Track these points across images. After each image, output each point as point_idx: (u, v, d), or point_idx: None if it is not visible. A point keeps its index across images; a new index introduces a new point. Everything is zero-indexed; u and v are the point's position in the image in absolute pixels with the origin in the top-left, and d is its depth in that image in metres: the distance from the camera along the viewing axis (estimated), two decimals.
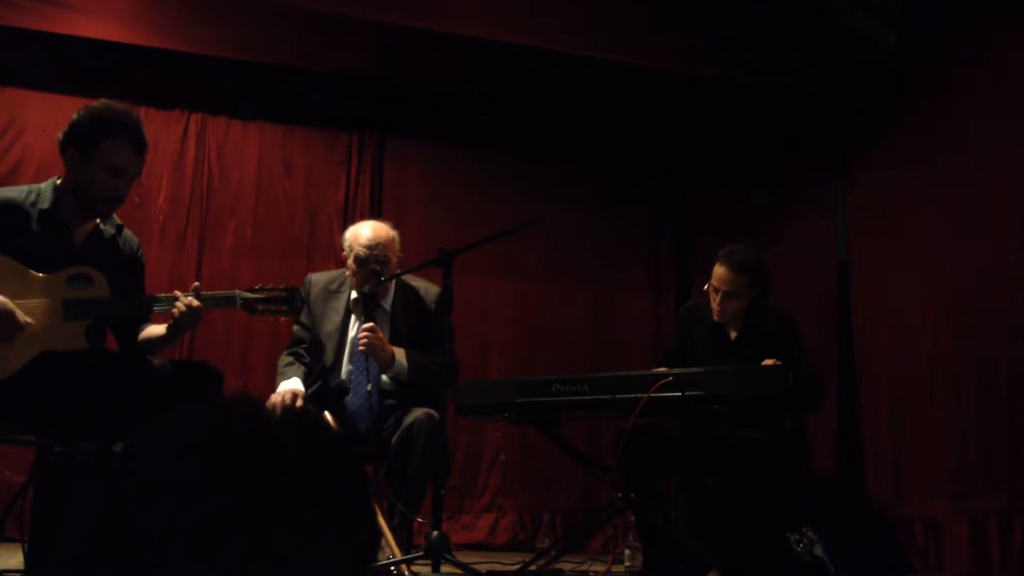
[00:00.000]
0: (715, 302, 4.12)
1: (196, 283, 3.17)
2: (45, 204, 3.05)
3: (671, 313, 6.36)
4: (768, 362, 3.73)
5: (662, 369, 3.84)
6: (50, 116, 5.66)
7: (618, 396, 3.65)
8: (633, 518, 4.46)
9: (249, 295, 3.19)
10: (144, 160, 3.14)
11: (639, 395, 3.56)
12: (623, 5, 5.26)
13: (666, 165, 7.02)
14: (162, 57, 5.75)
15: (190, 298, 3.06)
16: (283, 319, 3.30)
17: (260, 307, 3.21)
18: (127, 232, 3.28)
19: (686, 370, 3.61)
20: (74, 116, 3.08)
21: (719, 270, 4.09)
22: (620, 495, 3.85)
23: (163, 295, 3.14)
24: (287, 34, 5.57)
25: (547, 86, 6.23)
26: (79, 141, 3.04)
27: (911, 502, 5.07)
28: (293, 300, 3.26)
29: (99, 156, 3.02)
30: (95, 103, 3.11)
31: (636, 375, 3.69)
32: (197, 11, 5.37)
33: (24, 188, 3.11)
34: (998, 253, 4.83)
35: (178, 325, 3.07)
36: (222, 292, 3.22)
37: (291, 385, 3.88)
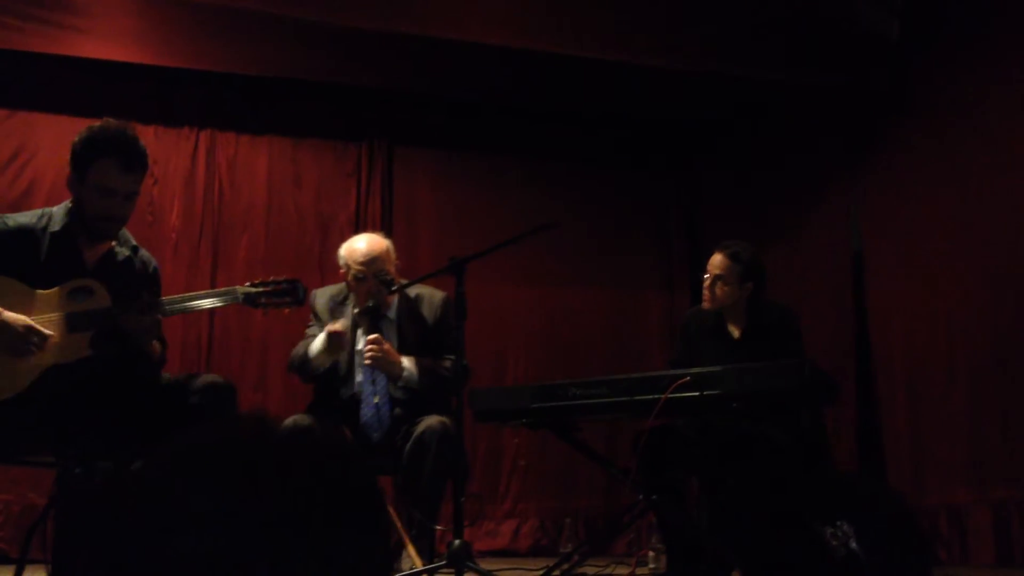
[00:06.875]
0: (705, 287, 4.19)
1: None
2: (56, 227, 3.06)
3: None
4: None
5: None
6: (61, 139, 5.66)
7: (636, 398, 3.63)
8: (656, 520, 4.45)
9: (251, 290, 3.13)
10: (140, 178, 3.09)
11: (657, 396, 3.55)
12: (621, 5, 5.25)
13: (674, 164, 7.01)
14: (169, 75, 5.80)
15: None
16: (287, 311, 3.21)
17: (263, 300, 3.14)
18: (143, 252, 3.27)
19: (703, 369, 3.59)
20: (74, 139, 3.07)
21: (713, 257, 4.19)
22: (641, 497, 3.85)
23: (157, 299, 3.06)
24: (292, 47, 5.58)
25: (550, 89, 6.23)
26: (75, 163, 3.04)
27: (933, 492, 5.04)
28: (296, 291, 3.18)
29: (90, 178, 3.01)
30: (93, 124, 3.08)
31: (653, 376, 3.67)
32: (202, 28, 5.39)
33: (37, 212, 3.12)
34: (1014, 239, 4.80)
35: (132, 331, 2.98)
36: (223, 288, 3.15)
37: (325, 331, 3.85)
